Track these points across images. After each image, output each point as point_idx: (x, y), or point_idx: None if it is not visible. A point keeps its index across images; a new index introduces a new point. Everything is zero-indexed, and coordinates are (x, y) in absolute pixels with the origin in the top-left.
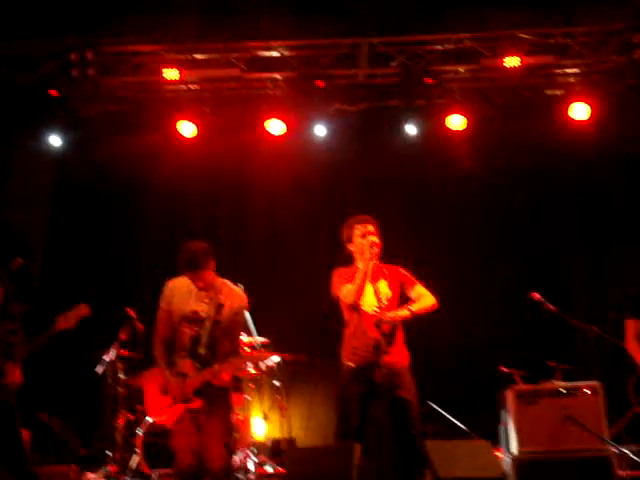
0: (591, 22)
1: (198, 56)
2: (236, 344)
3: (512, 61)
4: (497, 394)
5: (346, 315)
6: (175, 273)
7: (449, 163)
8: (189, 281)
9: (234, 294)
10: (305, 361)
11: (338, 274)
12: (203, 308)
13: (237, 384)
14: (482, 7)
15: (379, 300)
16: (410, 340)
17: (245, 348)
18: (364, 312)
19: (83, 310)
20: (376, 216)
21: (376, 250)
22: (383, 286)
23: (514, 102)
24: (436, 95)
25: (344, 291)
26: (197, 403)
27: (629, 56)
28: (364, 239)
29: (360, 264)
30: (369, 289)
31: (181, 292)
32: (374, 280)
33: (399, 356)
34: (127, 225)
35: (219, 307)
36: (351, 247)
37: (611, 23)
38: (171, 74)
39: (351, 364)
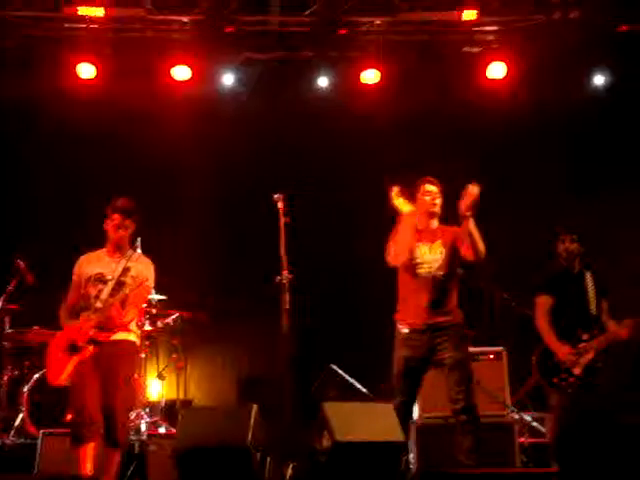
0: None
1: None
2: (134, 312)
3: (469, 15)
4: None
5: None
6: (66, 225)
7: (361, 118)
8: (101, 252)
9: (144, 262)
10: (205, 320)
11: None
12: (109, 270)
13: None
14: None
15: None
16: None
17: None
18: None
19: None
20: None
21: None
22: (437, 245)
23: (430, 58)
24: (350, 47)
25: (391, 253)
26: (87, 351)
27: (548, 16)
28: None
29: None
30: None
31: (90, 259)
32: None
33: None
34: (15, 172)
35: (125, 270)
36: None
37: None
38: (91, 11)
39: (404, 329)
